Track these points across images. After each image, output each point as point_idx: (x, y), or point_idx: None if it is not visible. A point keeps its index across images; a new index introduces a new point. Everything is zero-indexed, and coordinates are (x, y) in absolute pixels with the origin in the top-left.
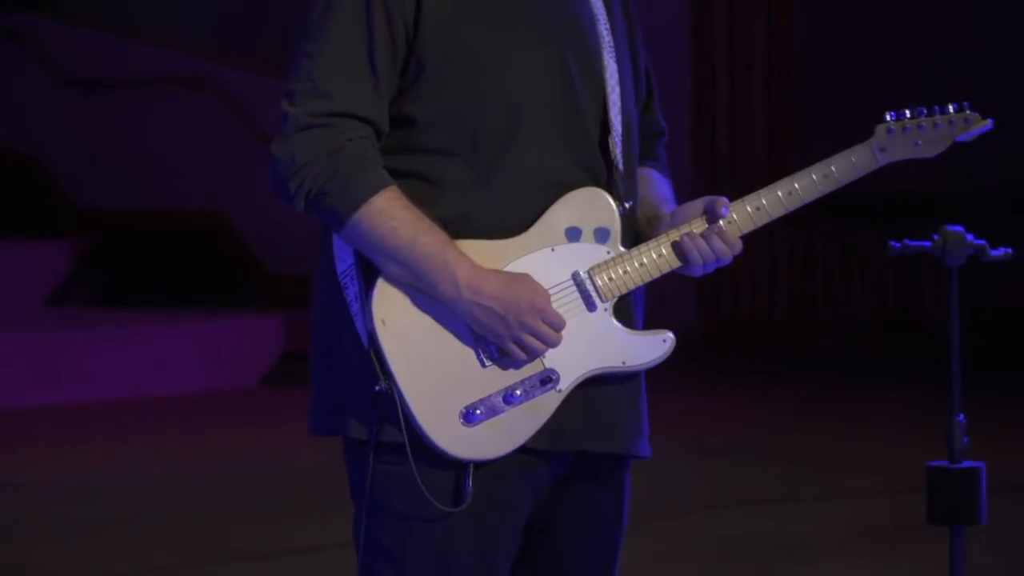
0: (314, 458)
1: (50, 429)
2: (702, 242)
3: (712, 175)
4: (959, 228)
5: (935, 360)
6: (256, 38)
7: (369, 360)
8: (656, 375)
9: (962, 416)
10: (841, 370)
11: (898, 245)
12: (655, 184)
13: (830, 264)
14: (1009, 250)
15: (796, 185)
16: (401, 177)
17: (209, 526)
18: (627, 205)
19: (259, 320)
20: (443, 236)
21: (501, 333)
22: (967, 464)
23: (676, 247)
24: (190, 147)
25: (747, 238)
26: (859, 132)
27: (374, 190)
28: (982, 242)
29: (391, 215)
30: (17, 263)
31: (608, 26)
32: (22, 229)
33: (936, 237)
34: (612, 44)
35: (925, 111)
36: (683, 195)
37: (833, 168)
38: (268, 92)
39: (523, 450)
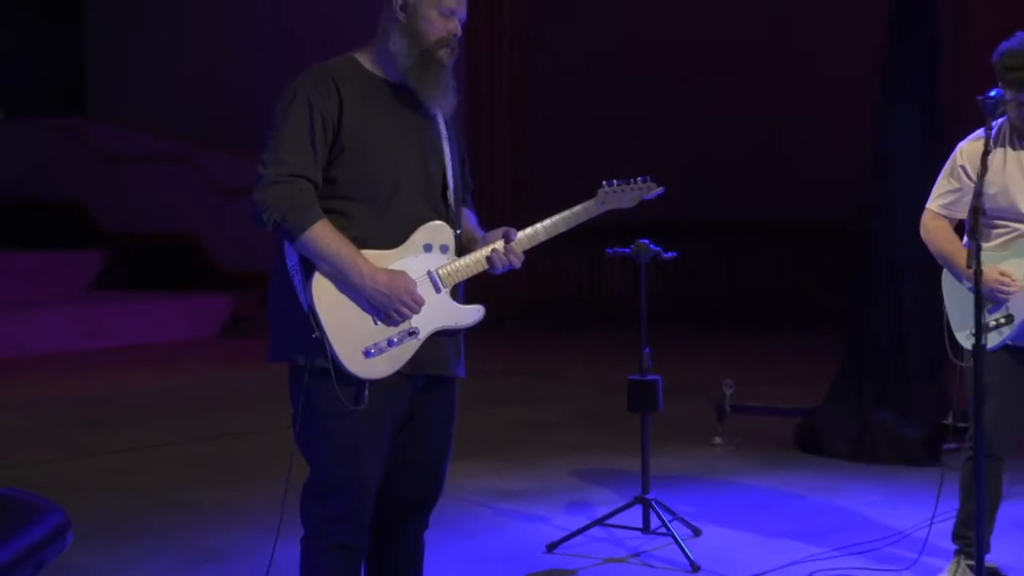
0: (257, 376)
1: (94, 364)
2: (502, 255)
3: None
4: (647, 240)
5: (627, 320)
6: (217, 130)
7: (308, 320)
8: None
9: (648, 349)
10: (571, 328)
11: (612, 251)
12: (470, 219)
13: (569, 264)
14: (675, 253)
15: (551, 222)
16: (329, 212)
17: (198, 417)
18: (458, 232)
19: (217, 297)
20: (354, 249)
21: (387, 306)
22: (651, 377)
23: (487, 258)
24: (176, 196)
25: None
26: (583, 188)
27: (313, 221)
28: (659, 248)
29: (324, 236)
30: (71, 265)
31: (443, 124)
32: (74, 245)
33: (633, 246)
34: (446, 135)
35: (626, 181)
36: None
37: (572, 213)
38: (223, 164)
39: (398, 374)
